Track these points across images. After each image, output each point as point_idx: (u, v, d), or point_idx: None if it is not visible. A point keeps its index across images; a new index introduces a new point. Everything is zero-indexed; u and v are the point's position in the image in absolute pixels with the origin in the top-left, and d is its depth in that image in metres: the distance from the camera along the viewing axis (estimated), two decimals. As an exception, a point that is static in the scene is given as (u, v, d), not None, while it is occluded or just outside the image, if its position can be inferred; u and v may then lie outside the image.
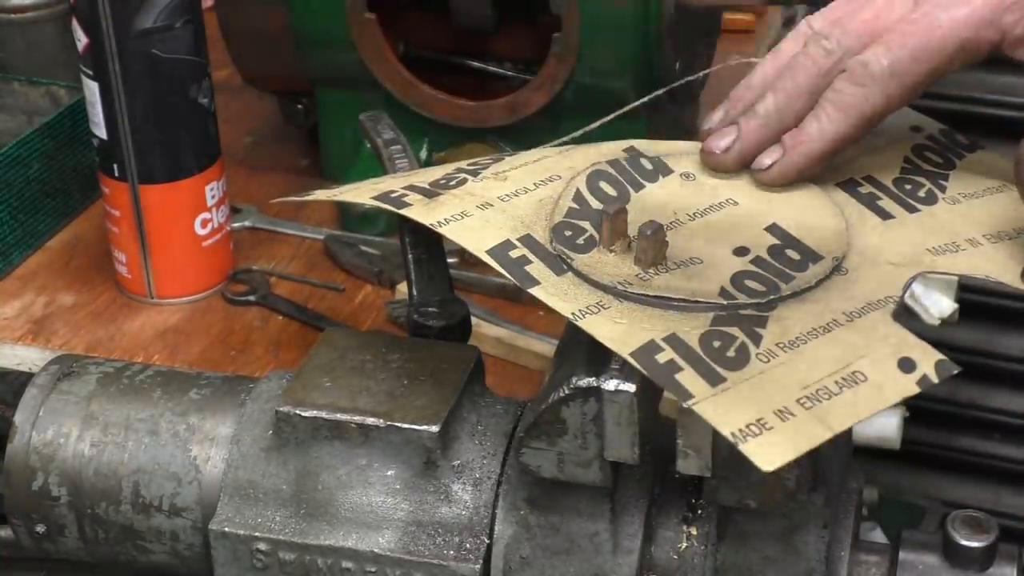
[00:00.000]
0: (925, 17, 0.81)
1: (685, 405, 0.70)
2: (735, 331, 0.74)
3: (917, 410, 1.16)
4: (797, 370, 0.72)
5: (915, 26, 0.81)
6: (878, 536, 1.08)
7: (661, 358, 0.72)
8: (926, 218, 0.84)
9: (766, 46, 1.69)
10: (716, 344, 0.73)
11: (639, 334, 0.74)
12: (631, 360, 0.72)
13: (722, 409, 0.70)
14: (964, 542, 0.79)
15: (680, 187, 0.86)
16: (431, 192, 0.84)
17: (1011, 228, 0.83)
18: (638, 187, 0.86)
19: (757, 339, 0.74)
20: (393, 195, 0.84)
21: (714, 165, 0.87)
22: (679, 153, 0.89)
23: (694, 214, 0.84)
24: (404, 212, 0.83)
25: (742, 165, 0.86)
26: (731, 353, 0.73)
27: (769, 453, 0.68)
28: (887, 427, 1.09)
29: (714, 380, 0.71)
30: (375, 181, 0.89)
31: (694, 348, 0.73)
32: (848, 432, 0.87)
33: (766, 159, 0.85)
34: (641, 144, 0.89)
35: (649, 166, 0.88)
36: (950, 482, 1.55)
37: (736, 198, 0.85)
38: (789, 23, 1.77)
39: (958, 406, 1.46)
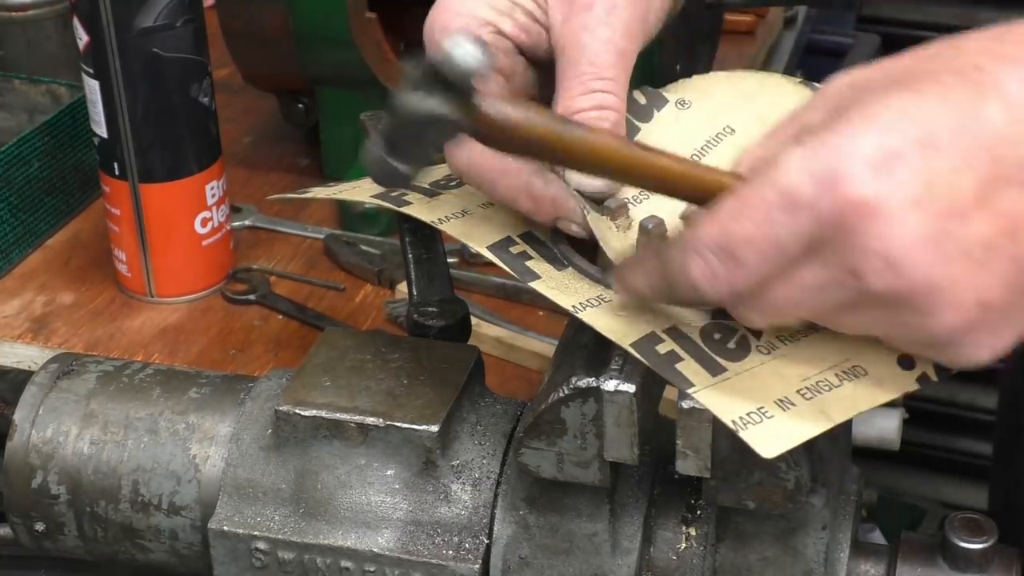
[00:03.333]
0: None
1: (686, 392, 0.71)
2: (736, 324, 0.74)
3: (917, 412, 1.16)
4: (798, 362, 0.72)
5: None
6: (877, 537, 1.08)
7: (661, 349, 0.72)
8: None
9: (767, 47, 1.69)
10: (717, 336, 0.73)
11: (639, 326, 0.74)
12: (631, 351, 0.72)
13: (723, 398, 0.70)
14: (963, 544, 0.79)
15: (676, 120, 0.86)
16: (431, 192, 0.84)
17: None
18: (633, 131, 0.85)
19: (758, 332, 0.74)
20: (393, 194, 0.84)
21: None
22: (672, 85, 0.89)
23: (691, 157, 0.83)
24: (404, 210, 0.83)
25: None
26: (731, 345, 0.73)
27: (769, 441, 0.68)
28: (887, 429, 1.09)
29: (715, 370, 0.71)
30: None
31: (695, 340, 0.73)
32: (848, 433, 0.87)
33: None
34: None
35: (643, 100, 0.87)
36: (949, 484, 1.55)
37: (732, 124, 0.85)
38: (790, 23, 1.77)
39: (958, 408, 1.46)
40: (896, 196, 0.64)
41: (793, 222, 0.65)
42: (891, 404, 0.74)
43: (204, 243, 1.27)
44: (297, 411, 0.83)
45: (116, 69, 1.18)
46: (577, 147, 0.71)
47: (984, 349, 0.68)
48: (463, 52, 0.67)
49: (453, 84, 0.68)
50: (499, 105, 0.71)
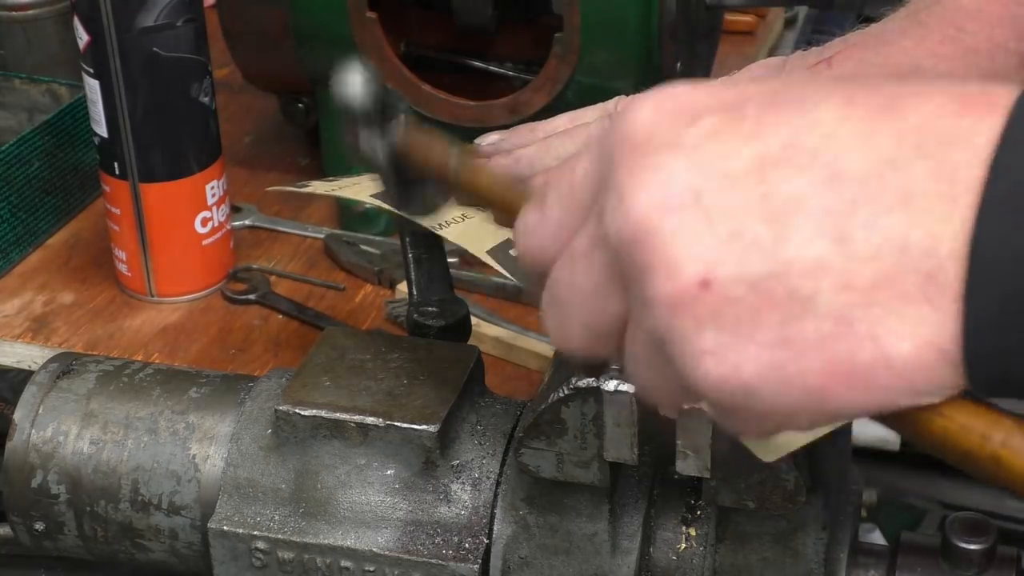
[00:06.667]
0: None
1: None
2: None
3: (917, 412, 1.16)
4: None
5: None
6: (877, 538, 1.08)
7: None
8: None
9: (767, 48, 1.69)
10: None
11: None
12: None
13: None
14: (963, 544, 0.79)
15: None
16: None
17: None
18: None
19: None
20: None
21: None
22: None
23: None
24: (404, 212, 0.83)
25: None
26: None
27: (769, 445, 0.68)
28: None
29: None
30: (375, 178, 0.89)
31: None
32: (847, 433, 0.87)
33: None
34: None
35: None
36: (949, 484, 1.55)
37: None
38: (790, 24, 1.77)
39: (958, 408, 1.45)
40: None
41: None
42: (891, 404, 0.74)
43: (204, 243, 1.27)
44: (297, 411, 0.83)
45: (116, 69, 1.18)
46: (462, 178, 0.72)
47: (709, 358, 0.54)
48: (348, 85, 0.72)
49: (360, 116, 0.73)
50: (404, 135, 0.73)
